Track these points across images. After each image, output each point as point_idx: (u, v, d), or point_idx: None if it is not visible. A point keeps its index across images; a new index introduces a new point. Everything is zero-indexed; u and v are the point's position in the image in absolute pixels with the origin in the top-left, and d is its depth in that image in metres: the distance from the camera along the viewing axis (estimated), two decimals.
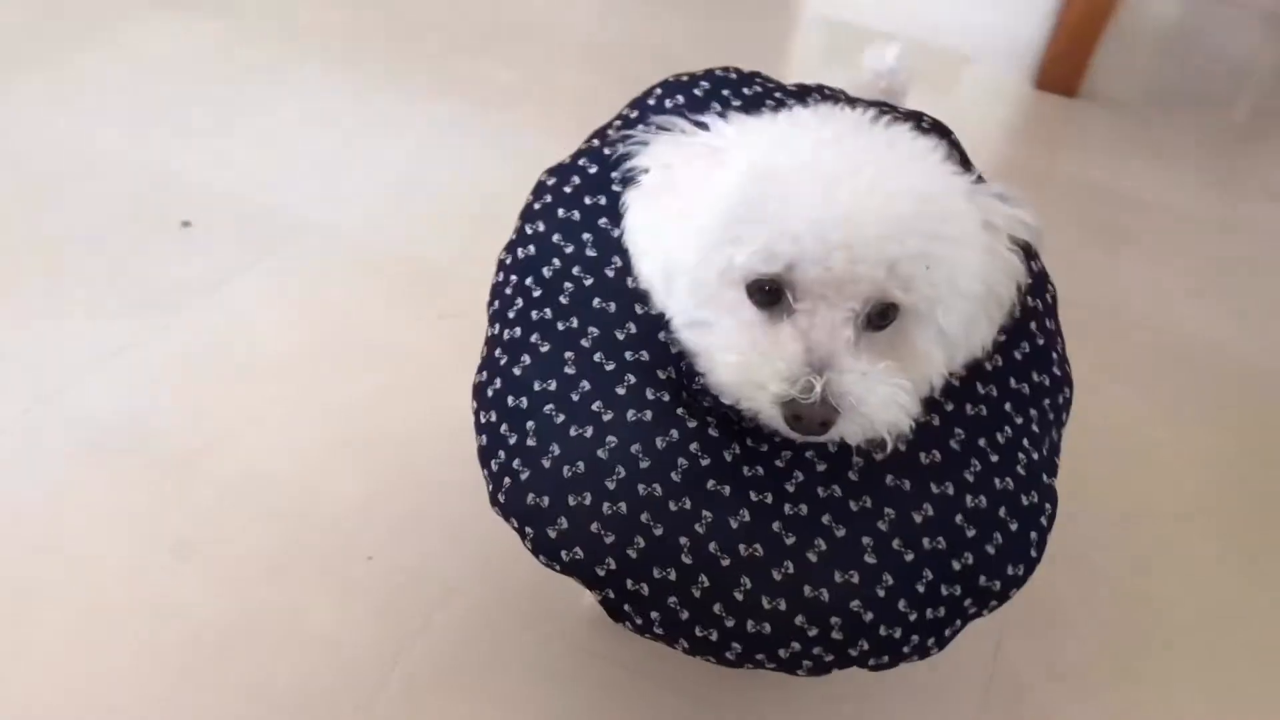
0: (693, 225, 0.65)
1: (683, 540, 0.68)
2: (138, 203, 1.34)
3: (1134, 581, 1.06)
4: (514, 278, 0.77)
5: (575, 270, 0.75)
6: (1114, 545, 1.10)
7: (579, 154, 0.80)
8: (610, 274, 0.74)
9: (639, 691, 0.90)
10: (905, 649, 0.71)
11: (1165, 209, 1.74)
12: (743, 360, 0.64)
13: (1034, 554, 0.72)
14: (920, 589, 0.69)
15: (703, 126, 0.69)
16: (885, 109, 0.75)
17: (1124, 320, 1.45)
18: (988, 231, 0.66)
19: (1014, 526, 0.71)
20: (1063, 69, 2.01)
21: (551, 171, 0.80)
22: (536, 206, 0.79)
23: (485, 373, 0.76)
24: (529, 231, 0.78)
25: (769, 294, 0.64)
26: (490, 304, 0.79)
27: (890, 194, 0.61)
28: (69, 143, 1.43)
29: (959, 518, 0.70)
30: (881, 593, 0.68)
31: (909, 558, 0.69)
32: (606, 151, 0.79)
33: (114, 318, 1.16)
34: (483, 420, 0.75)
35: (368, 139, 1.55)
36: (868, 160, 0.63)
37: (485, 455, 0.75)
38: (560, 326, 0.74)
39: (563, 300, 0.75)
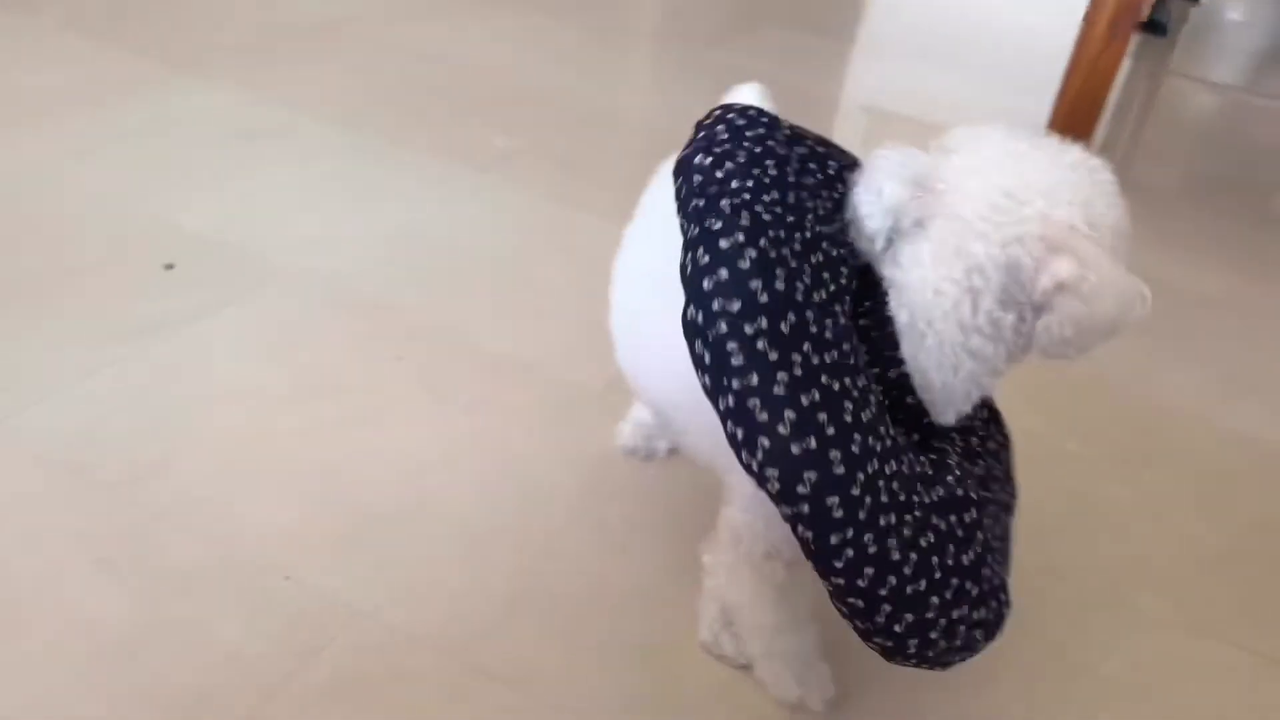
0: None
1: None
2: (127, 244, 1.40)
3: (1063, 632, 1.04)
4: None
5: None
6: (1049, 598, 1.08)
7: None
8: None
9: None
10: None
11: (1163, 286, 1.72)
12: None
13: None
14: None
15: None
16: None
17: (1103, 388, 1.44)
18: None
19: None
20: None
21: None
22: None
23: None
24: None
25: None
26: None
27: None
28: (71, 187, 1.51)
29: None
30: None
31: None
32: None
33: (84, 347, 1.21)
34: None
35: (359, 198, 1.61)
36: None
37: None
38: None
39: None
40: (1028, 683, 1.00)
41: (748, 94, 0.93)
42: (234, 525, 1.02)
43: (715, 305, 0.68)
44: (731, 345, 0.68)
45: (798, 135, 0.82)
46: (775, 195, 0.73)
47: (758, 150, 0.76)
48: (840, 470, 0.67)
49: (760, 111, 0.80)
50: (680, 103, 2.15)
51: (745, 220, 0.71)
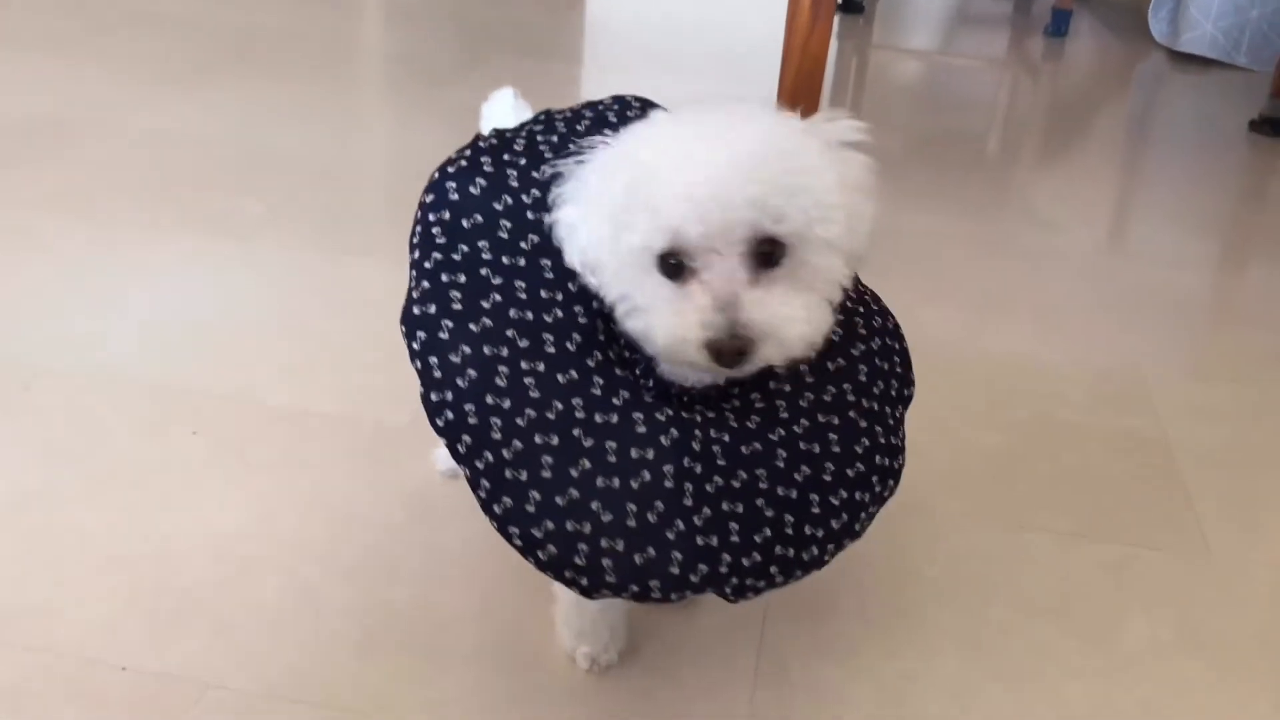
0: (595, 223, 0.75)
1: (759, 501, 0.78)
2: None
3: (883, 548, 1.11)
4: (470, 406, 0.77)
5: (524, 364, 0.78)
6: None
7: (430, 274, 0.81)
8: (552, 350, 0.79)
9: None
10: (900, 469, 0.87)
11: (906, 234, 1.87)
12: (668, 323, 0.73)
13: (909, 355, 0.93)
14: (892, 421, 0.87)
15: (589, 149, 0.80)
16: (605, 106, 0.93)
17: None
18: (832, 149, 0.77)
19: (898, 345, 0.92)
20: None
21: (421, 302, 0.80)
22: (444, 336, 0.78)
23: (507, 499, 0.76)
24: (456, 360, 0.78)
25: (675, 266, 0.72)
26: (456, 444, 0.77)
27: (737, 147, 0.71)
28: None
29: (877, 360, 0.88)
30: (883, 440, 0.85)
31: (876, 407, 0.86)
32: (456, 257, 0.82)
33: None
34: (539, 534, 0.76)
35: (119, 287, 1.55)
36: (714, 129, 0.74)
37: (562, 559, 0.76)
38: (551, 416, 0.77)
39: (535, 395, 0.77)
40: (862, 601, 1.06)
41: (502, 99, 0.98)
42: (53, 629, 0.97)
43: (425, 198, 0.85)
44: (419, 228, 0.83)
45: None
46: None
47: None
48: (444, 336, 0.78)
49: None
50: (423, 141, 2.17)
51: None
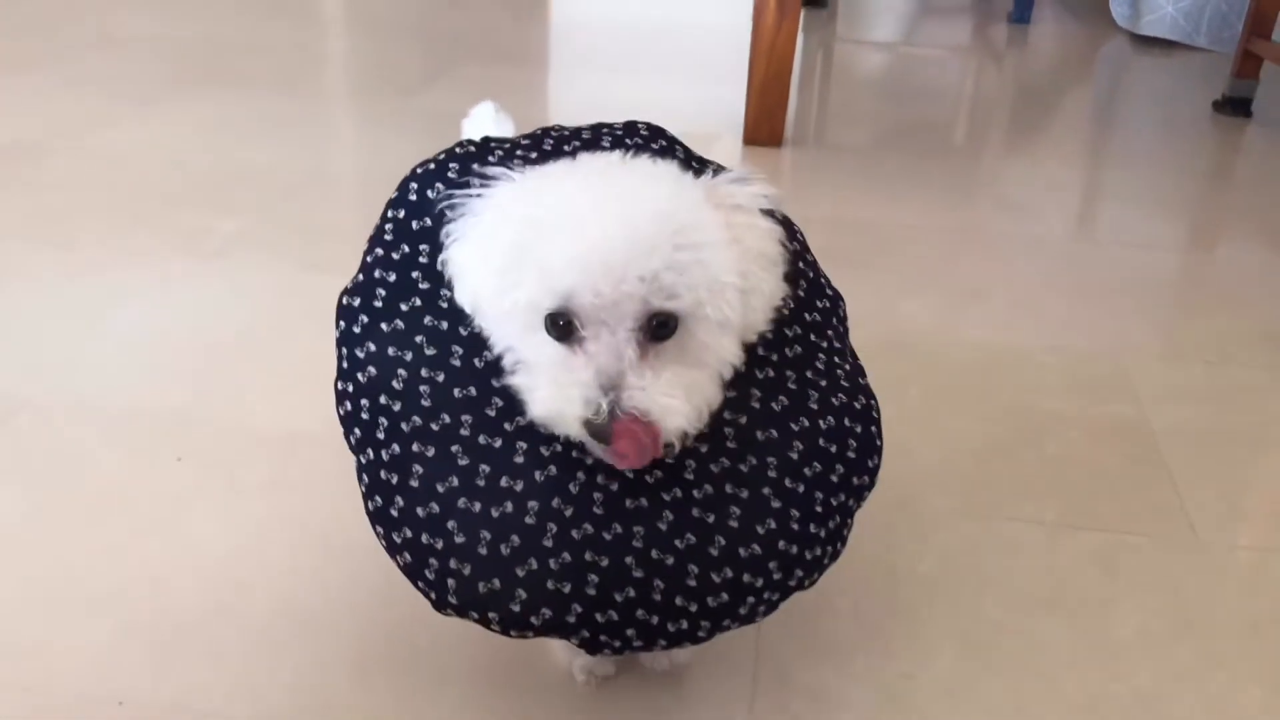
0: (483, 276, 0.74)
1: (628, 560, 0.73)
2: None
3: (877, 547, 1.12)
4: (365, 401, 0.79)
5: (424, 372, 0.78)
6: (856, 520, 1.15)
7: (368, 268, 0.84)
8: (457, 363, 0.78)
9: None
10: (825, 561, 0.80)
11: (877, 227, 1.87)
12: (547, 394, 0.71)
13: (879, 443, 0.84)
14: (819, 509, 0.78)
15: (490, 182, 0.78)
16: (608, 130, 0.89)
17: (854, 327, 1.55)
18: (738, 213, 0.75)
19: (859, 429, 0.82)
20: (763, 124, 2.17)
21: (351, 293, 0.84)
22: (356, 330, 0.82)
23: (379, 498, 0.77)
24: (361, 355, 0.80)
25: (563, 328, 0.71)
26: (349, 434, 0.80)
27: (633, 218, 0.69)
28: None
29: (821, 441, 0.79)
30: (796, 526, 0.77)
31: (801, 490, 0.77)
32: (395, 256, 0.84)
33: None
34: (398, 540, 0.76)
35: (94, 311, 1.54)
36: (611, 194, 0.72)
37: (415, 569, 0.76)
38: (435, 427, 0.76)
39: (425, 404, 0.77)
40: (856, 601, 1.07)
41: (483, 113, 0.98)
42: (46, 667, 0.96)
43: (392, 194, 0.87)
44: (378, 222, 0.86)
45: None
46: None
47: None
48: (357, 330, 0.81)
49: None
50: (395, 151, 2.16)
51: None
